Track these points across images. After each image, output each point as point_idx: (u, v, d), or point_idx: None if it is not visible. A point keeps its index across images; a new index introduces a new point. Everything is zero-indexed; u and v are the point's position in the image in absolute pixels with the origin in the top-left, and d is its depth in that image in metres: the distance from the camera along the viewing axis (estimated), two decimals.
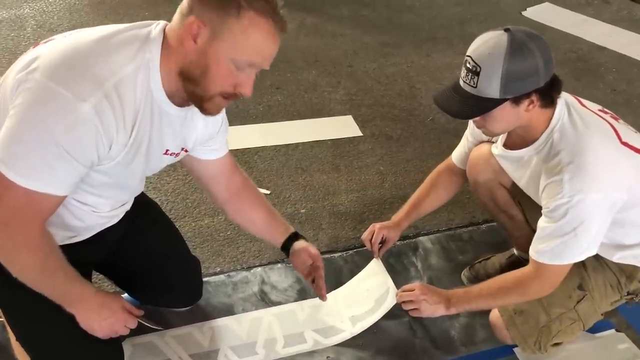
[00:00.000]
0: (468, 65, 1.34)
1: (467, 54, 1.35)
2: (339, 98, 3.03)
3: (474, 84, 1.33)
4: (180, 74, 1.15)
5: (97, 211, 1.37)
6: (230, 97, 1.18)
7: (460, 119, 1.48)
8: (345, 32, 3.71)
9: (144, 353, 1.65)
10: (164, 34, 1.15)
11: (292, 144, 2.63)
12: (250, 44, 1.11)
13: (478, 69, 1.31)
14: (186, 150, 1.39)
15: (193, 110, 1.24)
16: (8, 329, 1.51)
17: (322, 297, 1.64)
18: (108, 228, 1.44)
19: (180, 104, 1.22)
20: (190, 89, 1.16)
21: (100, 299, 1.33)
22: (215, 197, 1.58)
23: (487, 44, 1.31)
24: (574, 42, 3.82)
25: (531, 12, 4.20)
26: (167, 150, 1.32)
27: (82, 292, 1.30)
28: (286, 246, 1.63)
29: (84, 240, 1.39)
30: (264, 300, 1.86)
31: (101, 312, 1.33)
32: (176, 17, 1.14)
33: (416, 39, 3.72)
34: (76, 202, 1.29)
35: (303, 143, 2.64)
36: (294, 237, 1.63)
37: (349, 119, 2.86)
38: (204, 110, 1.20)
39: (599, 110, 1.48)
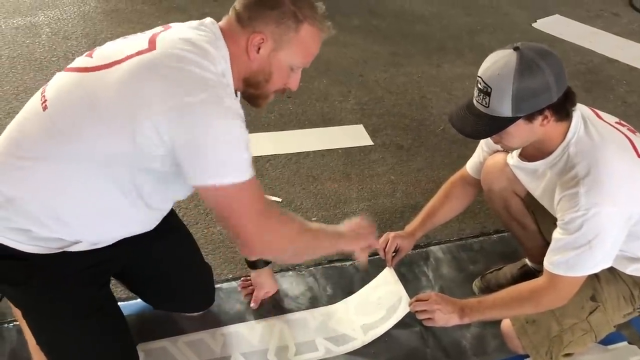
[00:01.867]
0: (479, 85, 1.35)
1: (478, 74, 1.36)
2: (350, 107, 3.04)
3: (486, 103, 1.35)
4: (245, 80, 1.31)
5: (147, 221, 1.42)
6: (281, 92, 1.36)
7: (475, 139, 1.50)
8: (356, 42, 3.73)
9: (157, 359, 1.65)
10: (223, 33, 1.27)
11: (304, 152, 2.64)
12: (306, 51, 1.30)
13: (489, 90, 1.33)
14: None
15: None
16: (25, 332, 1.54)
17: (255, 305, 1.83)
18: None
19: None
20: (252, 92, 1.34)
21: (348, 231, 1.49)
22: None
23: (497, 64, 1.33)
24: (584, 55, 3.83)
25: (541, 24, 4.21)
26: None
27: (339, 231, 1.48)
28: (256, 264, 1.80)
29: (109, 245, 1.40)
30: (276, 307, 1.86)
31: (356, 239, 1.51)
32: (233, 22, 1.27)
33: (426, 49, 3.73)
34: (143, 209, 1.33)
35: (314, 151, 2.65)
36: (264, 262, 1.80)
37: (360, 128, 2.87)
38: (258, 105, 1.38)
39: (616, 122, 1.48)
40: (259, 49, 1.25)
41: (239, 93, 1.37)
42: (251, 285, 1.87)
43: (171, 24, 1.31)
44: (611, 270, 1.53)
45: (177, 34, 1.24)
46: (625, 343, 1.79)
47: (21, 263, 1.29)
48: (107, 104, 1.16)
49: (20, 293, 1.36)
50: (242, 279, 1.92)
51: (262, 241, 1.27)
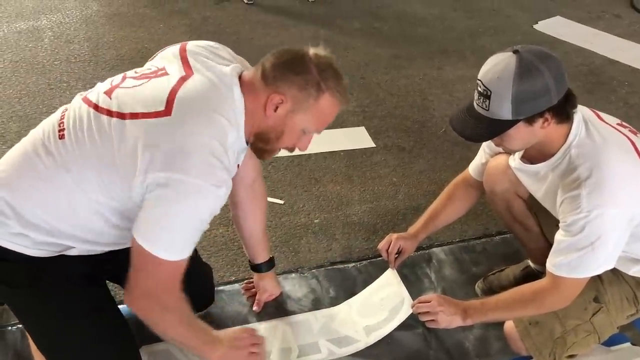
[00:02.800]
0: (479, 88, 1.36)
1: (478, 77, 1.37)
2: (352, 109, 3.05)
3: (486, 107, 1.35)
4: (256, 135, 1.34)
5: None
6: (289, 150, 1.40)
7: (475, 142, 1.50)
8: (358, 45, 3.74)
9: None
10: (241, 86, 1.29)
11: (306, 154, 2.64)
12: (321, 119, 1.33)
13: (489, 93, 1.33)
14: None
15: None
16: (28, 335, 1.54)
17: (257, 308, 1.84)
18: None
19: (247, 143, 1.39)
20: (260, 146, 1.37)
21: (226, 342, 1.45)
22: (232, 195, 1.65)
23: (496, 67, 1.33)
24: (585, 56, 3.83)
25: (542, 26, 4.21)
26: None
27: (213, 337, 1.44)
28: (259, 267, 1.82)
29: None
30: (278, 309, 1.87)
31: (233, 351, 1.45)
32: (258, 78, 1.29)
33: (428, 52, 3.74)
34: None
35: (316, 154, 2.66)
36: (269, 264, 1.83)
37: (361, 130, 2.88)
38: (262, 158, 1.45)
39: (618, 124, 1.49)
40: (277, 108, 1.28)
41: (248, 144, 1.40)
42: (254, 287, 1.88)
43: (188, 72, 1.31)
44: (614, 271, 1.53)
45: (194, 97, 1.25)
46: (628, 344, 1.79)
47: (25, 266, 1.31)
48: (117, 154, 1.22)
49: (22, 296, 1.37)
50: (245, 281, 1.92)
51: (140, 308, 1.30)
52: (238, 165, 1.45)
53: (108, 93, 1.30)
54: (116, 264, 1.49)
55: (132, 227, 1.23)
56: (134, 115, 1.23)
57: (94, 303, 1.43)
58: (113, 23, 3.70)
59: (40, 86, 2.95)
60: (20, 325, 1.63)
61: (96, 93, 1.32)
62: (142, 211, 1.22)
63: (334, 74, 1.30)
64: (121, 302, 1.69)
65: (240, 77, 1.31)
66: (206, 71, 1.30)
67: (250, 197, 1.70)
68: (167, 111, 1.22)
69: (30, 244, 1.29)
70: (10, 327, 1.70)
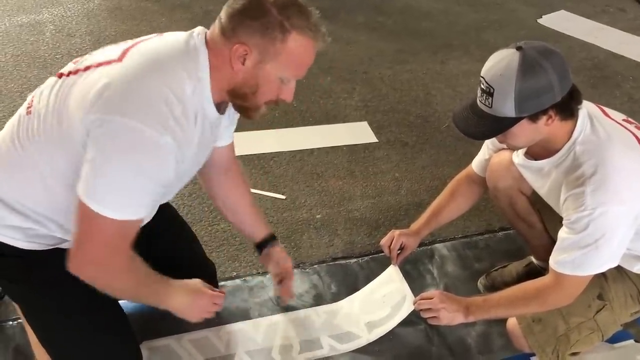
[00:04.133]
0: (482, 86, 1.35)
1: (481, 74, 1.35)
2: (354, 104, 3.03)
3: (489, 104, 1.34)
4: (229, 92, 1.24)
5: None
6: (274, 104, 1.29)
7: (478, 140, 1.49)
8: (361, 39, 3.72)
9: (161, 357, 1.65)
10: (207, 45, 1.21)
11: (308, 149, 2.63)
12: (296, 62, 1.21)
13: (491, 90, 1.32)
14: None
15: (228, 112, 1.33)
16: (27, 330, 1.54)
17: (290, 298, 1.79)
18: None
19: (222, 111, 1.30)
20: (239, 104, 1.27)
21: (184, 290, 1.42)
22: (207, 180, 1.64)
23: (499, 64, 1.32)
24: (590, 50, 3.80)
25: (547, 20, 4.18)
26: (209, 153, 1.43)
27: (170, 290, 1.40)
28: (262, 245, 1.72)
29: None
30: (280, 305, 1.86)
31: (192, 301, 1.43)
32: (217, 33, 1.20)
33: (432, 46, 3.71)
34: None
35: (318, 149, 2.64)
36: (271, 238, 1.73)
37: (364, 125, 2.86)
38: (249, 117, 1.31)
39: (623, 120, 1.47)
40: (244, 60, 1.18)
41: (229, 106, 1.34)
42: (279, 275, 1.75)
43: (159, 35, 1.29)
44: (618, 268, 1.52)
45: (150, 48, 1.22)
46: (631, 341, 1.78)
47: (18, 260, 1.31)
48: (65, 111, 1.18)
49: (20, 290, 1.37)
50: (270, 277, 1.84)
51: (85, 275, 1.22)
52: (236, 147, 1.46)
53: (75, 61, 1.28)
54: None
55: (78, 185, 1.15)
56: (88, 68, 1.21)
57: (94, 298, 1.39)
58: (115, 17, 3.68)
59: (41, 80, 2.85)
60: (20, 320, 1.62)
61: (67, 65, 1.30)
62: (85, 157, 1.14)
63: (298, 10, 1.17)
64: None
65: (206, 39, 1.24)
66: (174, 33, 1.26)
67: (229, 185, 1.65)
68: (120, 58, 1.19)
69: (22, 237, 1.28)
70: (10, 322, 1.70)
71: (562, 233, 1.42)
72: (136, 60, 1.18)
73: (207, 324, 1.75)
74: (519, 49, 1.31)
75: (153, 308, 1.75)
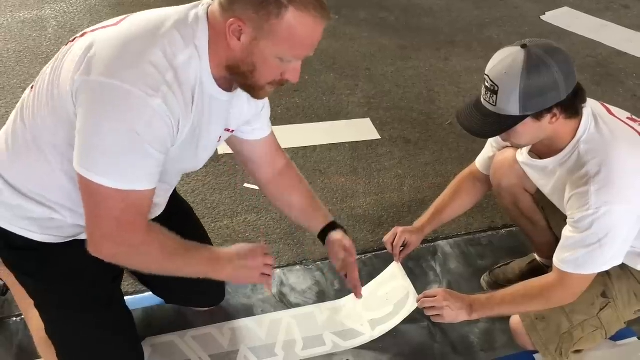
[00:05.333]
0: (486, 84, 1.34)
1: (486, 72, 1.35)
2: (357, 101, 3.03)
3: (493, 102, 1.33)
4: (228, 68, 1.17)
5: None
6: (278, 84, 1.21)
7: (482, 138, 1.48)
8: (363, 35, 3.71)
9: (164, 353, 1.66)
10: (207, 17, 1.15)
11: (310, 146, 2.63)
12: (295, 40, 1.10)
13: (496, 88, 1.31)
14: (230, 130, 1.39)
15: (239, 92, 1.26)
16: (30, 326, 1.54)
17: (356, 294, 1.62)
18: None
19: (227, 88, 1.23)
20: (241, 81, 1.19)
21: (233, 254, 1.34)
22: (257, 178, 1.58)
23: (504, 62, 1.31)
24: (593, 47, 3.79)
25: (550, 17, 4.17)
26: (218, 137, 1.35)
27: (213, 257, 1.33)
28: (323, 235, 1.59)
29: None
30: (283, 302, 1.86)
31: (245, 263, 1.34)
32: (216, 5, 1.13)
33: (435, 43, 3.70)
34: None
35: (321, 145, 2.64)
36: (332, 226, 1.59)
37: (367, 122, 2.86)
38: (255, 96, 1.24)
39: (628, 118, 1.47)
40: (240, 36, 1.10)
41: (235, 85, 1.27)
42: (342, 264, 1.60)
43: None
44: (622, 266, 1.51)
45: (150, 14, 1.17)
46: (634, 339, 1.78)
47: (33, 253, 1.31)
48: (57, 78, 1.15)
49: (34, 283, 1.37)
50: (343, 274, 1.64)
51: (106, 255, 1.19)
52: (228, 129, 1.35)
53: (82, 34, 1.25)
54: None
55: (74, 161, 1.11)
56: (84, 34, 1.18)
57: (101, 298, 1.42)
58: (117, 12, 3.65)
59: None
60: (24, 317, 1.63)
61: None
62: (76, 129, 1.09)
63: None
64: (128, 294, 1.71)
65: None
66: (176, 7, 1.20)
67: (284, 186, 1.58)
68: (116, 23, 1.16)
69: (37, 229, 1.27)
70: (14, 319, 1.70)
71: (566, 232, 1.42)
72: (132, 24, 1.14)
73: (211, 320, 1.76)
74: (523, 46, 1.31)
75: (156, 304, 1.77)
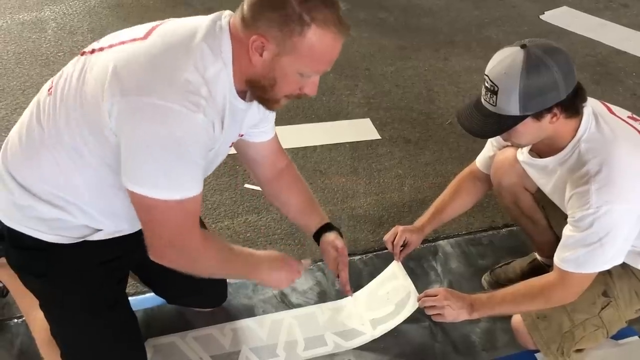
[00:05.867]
0: (486, 84, 1.34)
1: (485, 72, 1.35)
2: (357, 101, 3.03)
3: (493, 102, 1.34)
4: (248, 82, 1.21)
5: None
6: (296, 97, 1.25)
7: (483, 138, 1.49)
8: (362, 35, 3.71)
9: (166, 354, 1.66)
10: (230, 29, 1.18)
11: (310, 146, 2.63)
12: (316, 56, 1.15)
13: (496, 89, 1.32)
14: (241, 135, 1.43)
15: (257, 104, 1.31)
16: (32, 328, 1.55)
17: (346, 292, 1.66)
18: None
19: (244, 97, 1.27)
20: (258, 94, 1.24)
21: (268, 258, 1.45)
22: (258, 177, 1.62)
23: (504, 62, 1.31)
24: (592, 46, 3.79)
25: (549, 16, 4.17)
26: (231, 143, 1.39)
27: (257, 259, 1.43)
28: (317, 236, 1.63)
29: (128, 239, 1.40)
30: (284, 302, 1.86)
31: (277, 268, 1.45)
32: (239, 20, 1.16)
33: (434, 43, 3.71)
34: None
35: (321, 146, 2.64)
36: (327, 227, 1.62)
37: (367, 122, 2.86)
38: (270, 108, 1.29)
39: (629, 117, 1.47)
40: (262, 52, 1.14)
41: (247, 95, 1.31)
42: (335, 264, 1.63)
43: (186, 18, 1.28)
44: (623, 265, 1.51)
45: (178, 26, 1.19)
46: (636, 337, 1.79)
47: (42, 254, 1.31)
48: (88, 89, 1.16)
49: (40, 284, 1.38)
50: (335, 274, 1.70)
51: (168, 260, 1.26)
52: (240, 134, 1.41)
53: (99, 41, 1.27)
54: (136, 255, 1.50)
55: (122, 179, 1.15)
56: (112, 45, 1.19)
57: (107, 299, 1.43)
58: (117, 14, 3.68)
59: (44, 78, 2.92)
60: (24, 318, 1.63)
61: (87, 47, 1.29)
62: (122, 150, 1.13)
63: (321, 2, 1.11)
64: (129, 295, 1.71)
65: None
66: (201, 16, 1.23)
67: (282, 186, 1.61)
68: (145, 37, 1.17)
69: (47, 229, 1.28)
70: (16, 320, 1.70)
71: (567, 231, 1.42)
72: (160, 38, 1.16)
73: (213, 320, 1.76)
74: (523, 46, 1.31)
75: (157, 305, 1.77)
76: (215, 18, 1.20)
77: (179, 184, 1.15)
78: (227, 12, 1.21)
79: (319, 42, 1.12)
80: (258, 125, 1.44)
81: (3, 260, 1.61)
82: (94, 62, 1.19)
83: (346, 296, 1.83)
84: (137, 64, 1.12)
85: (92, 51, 1.23)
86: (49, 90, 1.25)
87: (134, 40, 1.18)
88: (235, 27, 1.17)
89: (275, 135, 1.55)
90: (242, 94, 1.25)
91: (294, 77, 1.18)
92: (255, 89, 1.22)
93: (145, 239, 1.22)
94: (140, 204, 1.16)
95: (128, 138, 1.12)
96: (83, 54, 1.25)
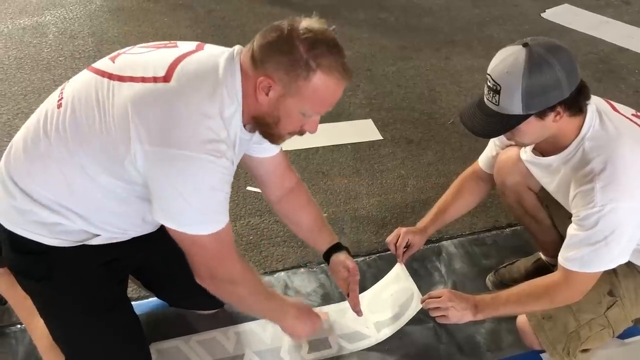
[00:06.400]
0: (489, 83, 1.34)
1: (487, 71, 1.35)
2: (359, 102, 3.02)
3: (496, 102, 1.33)
4: (254, 118, 1.29)
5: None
6: (298, 134, 1.33)
7: (486, 138, 1.48)
8: (363, 36, 3.70)
9: (170, 358, 1.65)
10: (240, 64, 1.24)
11: (313, 148, 2.62)
12: (319, 99, 1.23)
13: (498, 88, 1.31)
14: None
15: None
16: (33, 335, 1.54)
17: (357, 312, 1.68)
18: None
19: (251, 130, 1.34)
20: (264, 129, 1.32)
21: (294, 308, 1.56)
22: (267, 196, 1.67)
23: (506, 61, 1.31)
24: (594, 44, 3.78)
25: (550, 14, 4.16)
26: None
27: (284, 305, 1.54)
28: (327, 256, 1.68)
29: (127, 241, 1.42)
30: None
31: (302, 318, 1.57)
32: (248, 59, 1.23)
33: (435, 42, 3.70)
34: None
35: (323, 147, 2.63)
36: (336, 247, 1.68)
37: (369, 123, 2.85)
38: (274, 143, 1.39)
39: (632, 114, 1.46)
40: (268, 92, 1.22)
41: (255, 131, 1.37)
42: (345, 284, 1.68)
43: (200, 47, 1.31)
44: (629, 264, 1.51)
45: (197, 68, 1.24)
46: None
47: (42, 257, 1.32)
48: (110, 121, 1.19)
49: (41, 287, 1.38)
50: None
51: (211, 289, 1.37)
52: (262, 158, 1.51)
53: (112, 58, 1.30)
54: (137, 258, 1.51)
55: (153, 212, 1.24)
56: (133, 79, 1.21)
57: (109, 300, 1.44)
58: (117, 18, 3.68)
59: (45, 82, 2.93)
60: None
61: (102, 60, 1.32)
62: (152, 192, 1.21)
63: (327, 49, 1.18)
64: (132, 300, 1.70)
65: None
66: (214, 50, 1.29)
67: (293, 206, 1.66)
68: (167, 78, 1.20)
69: (47, 233, 1.29)
70: (19, 326, 1.69)
71: (571, 230, 1.41)
72: (183, 83, 1.20)
73: (216, 324, 1.76)
74: (525, 45, 1.30)
75: (160, 309, 1.77)
76: (230, 58, 1.25)
77: (211, 219, 1.24)
78: (238, 48, 1.28)
79: (323, 86, 1.20)
80: (261, 140, 1.45)
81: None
82: (115, 95, 1.20)
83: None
84: (162, 112, 1.17)
85: (111, 76, 1.24)
86: (58, 102, 1.27)
87: (156, 80, 1.21)
88: (245, 64, 1.24)
89: (282, 153, 1.58)
90: (247, 127, 1.32)
91: (297, 116, 1.25)
92: (260, 125, 1.30)
93: (192, 266, 1.33)
94: (176, 236, 1.26)
95: (158, 183, 1.20)
96: (99, 72, 1.26)
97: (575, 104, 1.34)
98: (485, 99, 1.37)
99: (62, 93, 1.28)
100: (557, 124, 1.35)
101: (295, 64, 1.17)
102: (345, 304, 1.84)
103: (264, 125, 1.29)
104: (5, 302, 1.70)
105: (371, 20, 3.95)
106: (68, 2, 3.78)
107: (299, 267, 2.00)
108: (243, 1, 4.02)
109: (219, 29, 3.55)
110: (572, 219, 1.40)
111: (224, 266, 1.32)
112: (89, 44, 3.32)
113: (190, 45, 1.31)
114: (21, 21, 3.51)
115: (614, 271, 1.53)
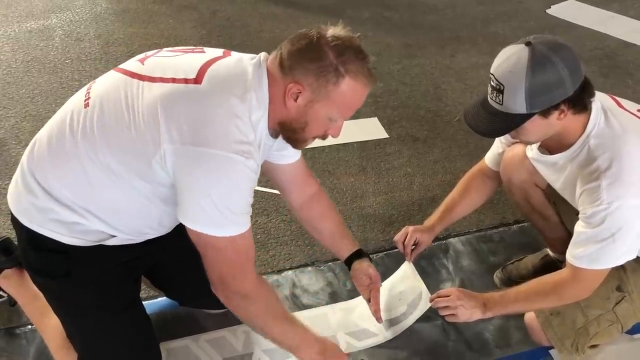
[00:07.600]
0: (492, 83, 1.34)
1: (491, 71, 1.35)
2: (364, 100, 3.01)
3: (499, 101, 1.33)
4: (280, 124, 1.31)
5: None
6: (321, 138, 1.35)
7: (490, 137, 1.49)
8: (368, 34, 3.70)
9: (179, 357, 1.66)
10: (267, 71, 1.27)
11: (319, 147, 2.62)
12: (346, 104, 1.27)
13: (501, 87, 1.31)
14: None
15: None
16: (44, 336, 1.56)
17: (377, 319, 1.68)
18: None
19: (274, 135, 1.36)
20: (288, 135, 1.33)
21: (320, 343, 1.48)
22: (289, 203, 1.68)
23: (508, 60, 1.31)
24: (600, 39, 3.76)
25: (555, 10, 4.14)
26: None
27: (306, 336, 1.46)
28: (349, 263, 1.70)
29: (145, 241, 1.44)
30: (296, 303, 1.86)
31: (328, 358, 1.47)
32: (276, 65, 1.25)
33: (440, 40, 3.69)
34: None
35: (329, 146, 2.64)
36: (358, 253, 1.70)
37: (374, 121, 2.85)
38: (297, 147, 1.40)
39: (638, 110, 1.45)
40: (297, 98, 1.24)
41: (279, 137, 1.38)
42: (366, 291, 1.70)
43: (226, 53, 1.33)
44: (637, 259, 1.50)
45: (227, 72, 1.26)
46: None
47: (61, 256, 1.33)
48: (140, 120, 1.20)
49: (56, 284, 1.39)
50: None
51: (222, 297, 1.35)
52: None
53: (141, 60, 1.31)
54: (151, 257, 1.52)
55: (177, 212, 1.24)
56: (164, 80, 1.23)
57: (124, 299, 1.46)
58: (122, 20, 3.69)
59: (52, 85, 2.95)
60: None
61: (129, 62, 1.33)
62: (178, 191, 1.22)
63: (354, 55, 1.23)
64: (145, 298, 1.72)
65: None
66: (241, 56, 1.31)
67: (314, 213, 1.68)
68: (198, 80, 1.23)
69: (66, 231, 1.30)
70: (30, 326, 1.71)
71: (579, 227, 1.41)
72: (214, 86, 1.22)
73: (225, 323, 1.76)
74: (528, 44, 1.30)
75: (169, 309, 1.78)
76: (257, 64, 1.27)
77: (230, 221, 1.23)
78: (264, 55, 1.30)
79: (351, 91, 1.23)
80: (280, 148, 1.47)
81: (7, 272, 1.64)
82: (145, 94, 1.22)
83: (358, 295, 1.84)
84: (193, 111, 1.18)
85: (141, 77, 1.25)
86: (85, 101, 1.28)
87: (187, 81, 1.22)
88: (272, 70, 1.26)
89: (302, 160, 1.59)
90: (271, 133, 1.34)
91: (324, 121, 1.28)
92: (286, 130, 1.31)
93: (207, 273, 1.31)
94: (195, 237, 1.25)
95: (187, 182, 1.20)
96: (127, 73, 1.28)
97: (580, 102, 1.34)
98: (489, 98, 1.37)
99: (89, 92, 1.29)
100: (561, 122, 1.35)
101: (324, 69, 1.20)
102: (353, 302, 1.86)
103: (290, 130, 1.31)
104: (15, 303, 1.71)
105: (376, 19, 3.95)
106: (74, 5, 3.80)
107: (307, 265, 2.01)
108: (247, 2, 4.02)
109: (224, 30, 3.56)
110: (579, 216, 1.40)
111: (235, 275, 1.31)
112: (95, 46, 3.34)
113: (218, 51, 1.34)
114: (28, 24, 3.54)
115: (622, 267, 1.53)
